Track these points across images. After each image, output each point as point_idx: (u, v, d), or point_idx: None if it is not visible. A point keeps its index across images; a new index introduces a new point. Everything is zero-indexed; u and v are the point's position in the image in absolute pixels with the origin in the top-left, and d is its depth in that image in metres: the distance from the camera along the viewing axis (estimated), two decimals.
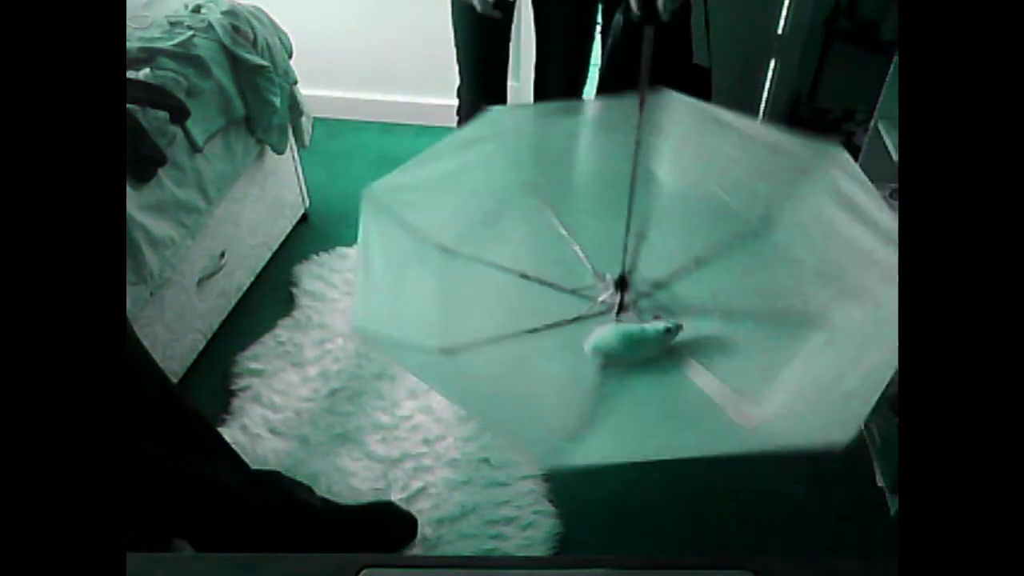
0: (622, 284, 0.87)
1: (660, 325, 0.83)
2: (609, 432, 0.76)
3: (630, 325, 0.84)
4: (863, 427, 1.78)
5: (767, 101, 2.96)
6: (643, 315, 0.86)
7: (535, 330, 0.85)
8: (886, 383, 0.63)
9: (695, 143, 0.93)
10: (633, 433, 0.79)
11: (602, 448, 0.79)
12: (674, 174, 0.93)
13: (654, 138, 0.92)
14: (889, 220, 0.76)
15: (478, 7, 1.54)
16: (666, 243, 0.92)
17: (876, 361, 0.66)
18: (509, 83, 1.90)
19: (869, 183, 0.79)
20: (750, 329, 0.84)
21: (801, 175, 0.84)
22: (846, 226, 0.79)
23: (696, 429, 0.76)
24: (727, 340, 0.84)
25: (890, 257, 0.73)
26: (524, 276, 0.90)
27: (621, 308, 0.87)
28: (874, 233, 0.76)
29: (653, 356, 0.83)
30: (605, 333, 0.84)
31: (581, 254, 0.93)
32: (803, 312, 0.79)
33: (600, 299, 0.88)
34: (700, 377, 0.79)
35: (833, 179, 0.81)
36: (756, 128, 0.88)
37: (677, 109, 0.92)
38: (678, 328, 0.83)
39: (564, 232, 0.95)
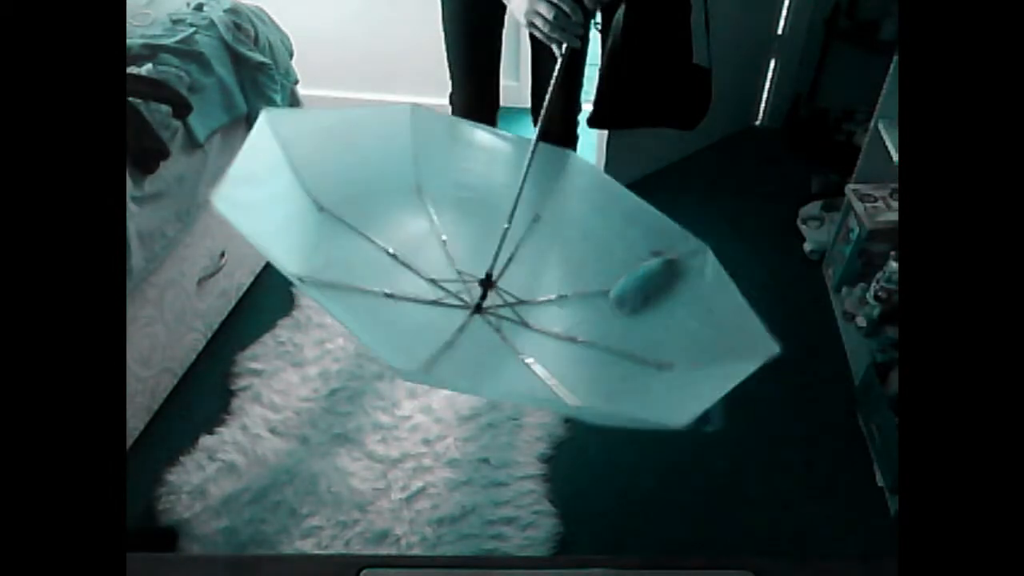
0: (487, 282, 0.92)
1: (660, 259, 0.96)
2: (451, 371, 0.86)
3: (639, 268, 0.95)
4: (863, 427, 1.79)
5: (767, 101, 2.97)
6: (498, 320, 0.95)
7: (392, 296, 0.91)
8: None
9: (588, 205, 1.07)
10: (471, 375, 0.91)
11: (445, 379, 0.92)
12: (559, 220, 1.06)
13: (552, 189, 1.06)
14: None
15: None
16: (535, 275, 1.03)
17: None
18: (508, 83, 1.90)
19: (730, 283, 0.94)
20: (590, 351, 0.95)
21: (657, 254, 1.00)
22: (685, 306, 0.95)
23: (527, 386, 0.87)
24: (568, 354, 0.95)
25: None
26: (391, 255, 0.93)
27: (479, 308, 0.92)
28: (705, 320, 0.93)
29: (664, 284, 0.96)
30: (621, 283, 0.93)
31: (453, 254, 1.00)
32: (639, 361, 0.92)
33: (460, 294, 0.96)
34: (536, 368, 0.88)
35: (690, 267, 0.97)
36: (644, 209, 1.03)
37: (581, 174, 1.07)
38: (674, 261, 0.97)
39: (442, 233, 1.02)
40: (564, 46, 1.04)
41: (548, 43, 1.16)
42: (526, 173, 0.93)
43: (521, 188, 0.93)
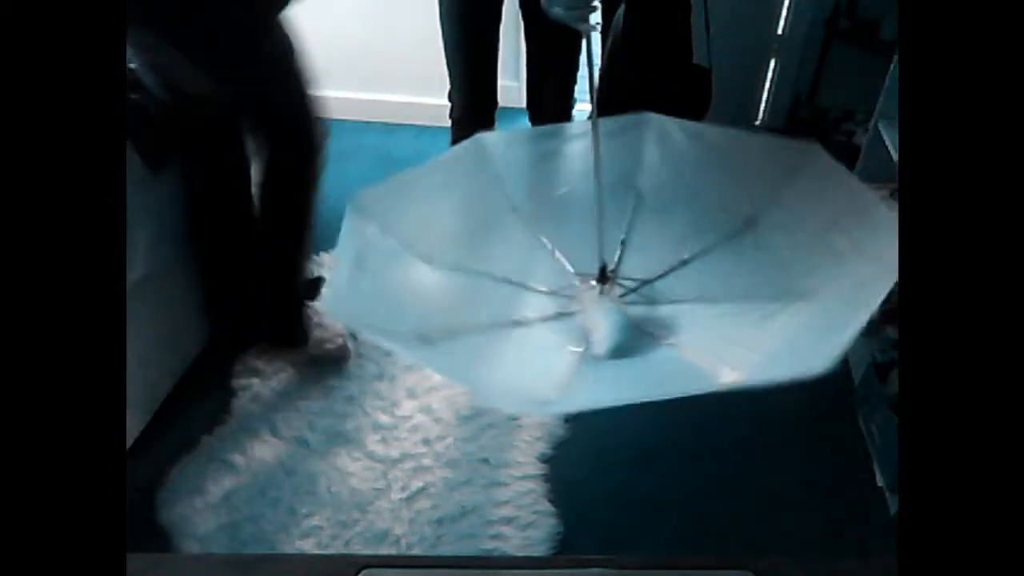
0: (602, 276, 0.90)
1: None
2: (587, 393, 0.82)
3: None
4: (863, 427, 1.79)
5: (767, 101, 2.96)
6: (627, 307, 0.90)
7: (517, 323, 0.89)
8: (861, 323, 0.68)
9: (677, 158, 0.99)
10: (610, 391, 0.85)
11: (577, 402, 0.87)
12: (658, 188, 0.99)
13: (638, 156, 0.99)
14: (876, 204, 0.81)
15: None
16: (650, 250, 0.97)
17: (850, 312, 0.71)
18: (509, 82, 1.90)
19: (849, 173, 0.84)
20: (728, 311, 0.88)
21: (781, 177, 0.90)
22: (828, 219, 0.84)
23: (671, 385, 0.80)
24: (706, 321, 0.88)
25: (873, 243, 0.77)
26: (507, 281, 0.92)
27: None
28: (858, 222, 0.81)
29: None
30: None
31: (563, 260, 0.96)
32: (782, 296, 0.84)
33: (582, 294, 0.92)
34: (683, 350, 0.83)
35: (813, 175, 0.87)
36: (735, 136, 0.95)
37: (658, 128, 1.00)
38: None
39: (547, 243, 0.98)
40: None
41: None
42: (596, 159, 0.90)
43: (597, 171, 0.91)
